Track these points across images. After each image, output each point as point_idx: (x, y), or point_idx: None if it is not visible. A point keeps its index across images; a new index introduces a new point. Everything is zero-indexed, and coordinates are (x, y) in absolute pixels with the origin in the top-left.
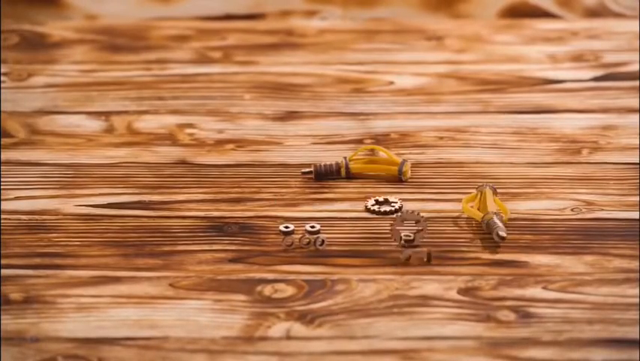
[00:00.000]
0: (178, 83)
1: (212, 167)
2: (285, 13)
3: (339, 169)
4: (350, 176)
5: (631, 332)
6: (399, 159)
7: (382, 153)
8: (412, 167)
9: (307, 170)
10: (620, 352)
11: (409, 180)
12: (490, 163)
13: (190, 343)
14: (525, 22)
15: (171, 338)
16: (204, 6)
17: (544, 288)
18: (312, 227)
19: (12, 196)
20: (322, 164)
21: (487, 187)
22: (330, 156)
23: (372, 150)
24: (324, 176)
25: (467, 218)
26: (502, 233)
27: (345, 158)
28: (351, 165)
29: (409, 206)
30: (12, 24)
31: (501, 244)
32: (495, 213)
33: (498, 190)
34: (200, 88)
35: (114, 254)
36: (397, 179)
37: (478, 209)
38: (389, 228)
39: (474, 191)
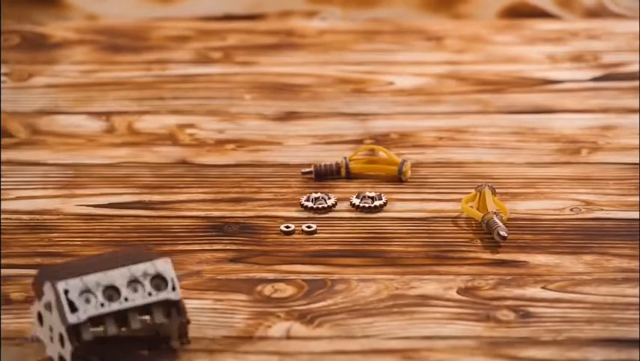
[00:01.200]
0: (178, 84)
1: (212, 167)
2: (285, 14)
3: (339, 169)
4: (350, 176)
5: (630, 332)
6: (399, 159)
7: (382, 153)
8: (411, 167)
9: (307, 170)
10: (620, 351)
11: (409, 180)
12: (489, 163)
13: (190, 342)
14: (525, 23)
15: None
16: (204, 6)
17: (544, 288)
18: (309, 227)
19: (13, 196)
20: (322, 164)
21: (487, 187)
22: (330, 156)
23: (372, 150)
24: (324, 176)
25: (467, 218)
26: (503, 233)
27: (345, 158)
28: (351, 165)
29: (409, 206)
30: (13, 24)
31: (500, 244)
32: (495, 212)
33: (497, 190)
34: (200, 88)
35: None
36: (397, 179)
37: (478, 209)
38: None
39: (473, 191)
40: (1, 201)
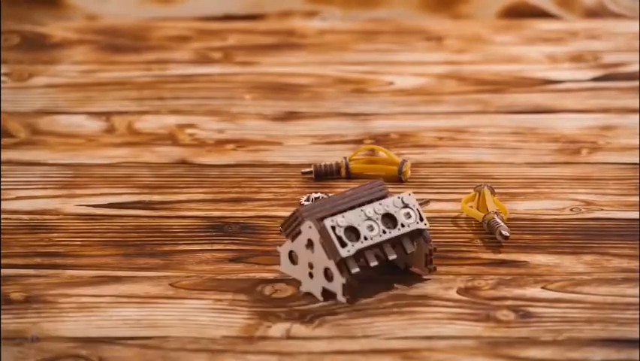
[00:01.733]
0: (178, 84)
1: (212, 167)
2: (285, 14)
3: (339, 169)
4: (350, 176)
5: (630, 332)
6: (399, 159)
7: (382, 153)
8: (411, 167)
9: (307, 170)
10: (620, 351)
11: (409, 180)
12: (489, 163)
13: (190, 342)
14: (525, 23)
15: (172, 337)
16: (204, 6)
17: (544, 288)
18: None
19: (13, 196)
20: (322, 164)
21: (485, 187)
22: (330, 156)
23: (372, 150)
24: (324, 176)
25: (467, 218)
26: (505, 232)
27: (345, 158)
28: (351, 165)
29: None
30: (13, 25)
31: (501, 244)
32: (495, 212)
33: (498, 190)
34: (200, 88)
35: (115, 254)
36: (397, 179)
37: (477, 209)
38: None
39: (472, 191)
40: (1, 201)
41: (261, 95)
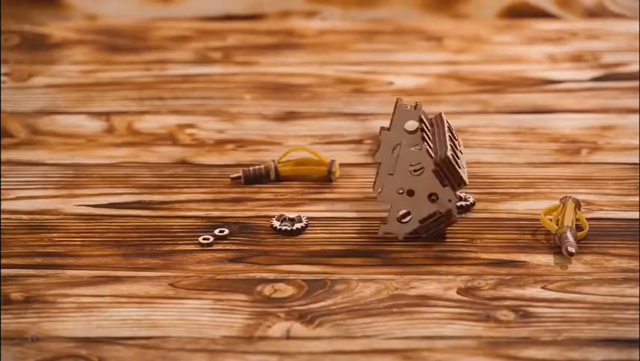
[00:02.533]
0: (178, 84)
1: (212, 167)
2: (285, 14)
3: (268, 173)
4: (279, 179)
5: (630, 332)
6: (327, 160)
7: (310, 154)
8: None
9: (236, 175)
10: (620, 351)
11: None
12: (489, 163)
13: (190, 342)
14: (525, 23)
15: (171, 337)
16: (204, 6)
17: (544, 288)
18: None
19: (13, 196)
20: (251, 168)
21: (571, 200)
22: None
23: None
24: (254, 181)
25: (466, 218)
26: (572, 249)
27: (273, 161)
28: (281, 168)
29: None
30: (13, 24)
31: (500, 244)
32: (570, 227)
33: (498, 190)
34: (200, 88)
35: (114, 254)
36: (327, 179)
37: (557, 221)
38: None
39: (473, 191)
40: (1, 201)
41: (261, 95)
